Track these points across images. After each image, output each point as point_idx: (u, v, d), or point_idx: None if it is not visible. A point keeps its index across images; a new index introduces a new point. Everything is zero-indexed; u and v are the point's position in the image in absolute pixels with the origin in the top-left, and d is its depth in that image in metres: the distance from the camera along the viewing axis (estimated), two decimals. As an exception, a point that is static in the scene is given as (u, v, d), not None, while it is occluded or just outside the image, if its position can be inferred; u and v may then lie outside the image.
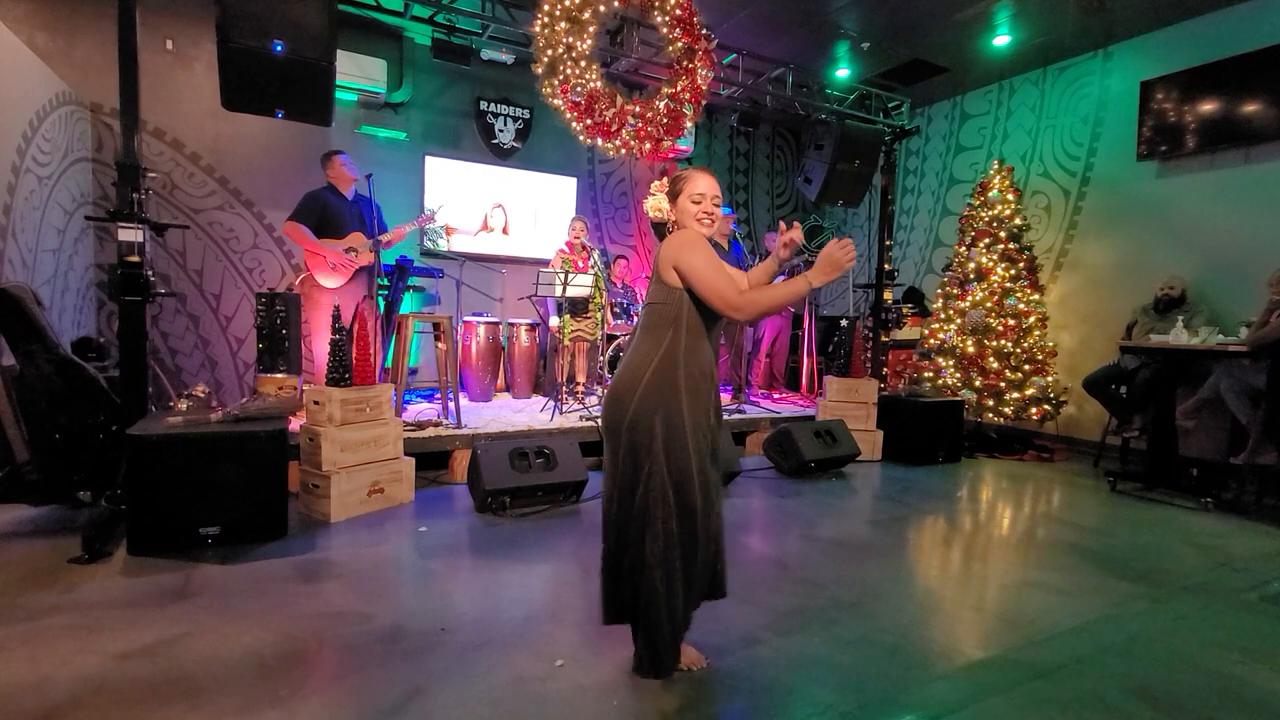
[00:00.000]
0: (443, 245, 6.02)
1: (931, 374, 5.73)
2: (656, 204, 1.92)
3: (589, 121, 4.34)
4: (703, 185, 1.89)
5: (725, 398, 5.72)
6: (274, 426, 2.98)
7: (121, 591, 2.38)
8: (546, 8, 4.06)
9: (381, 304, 4.49)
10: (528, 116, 6.46)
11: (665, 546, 1.77)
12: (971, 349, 5.43)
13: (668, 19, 4.48)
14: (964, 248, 5.74)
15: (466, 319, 5.35)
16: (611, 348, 5.71)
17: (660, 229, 1.96)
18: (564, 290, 4.68)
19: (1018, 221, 5.54)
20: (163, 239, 3.72)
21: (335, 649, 2.04)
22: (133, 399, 3.15)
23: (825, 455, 4.44)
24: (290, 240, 4.35)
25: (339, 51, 3.61)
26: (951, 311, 5.66)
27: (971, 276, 5.58)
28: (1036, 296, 5.46)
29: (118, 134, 3.26)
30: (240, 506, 2.85)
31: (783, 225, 2.09)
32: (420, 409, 4.88)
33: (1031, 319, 5.36)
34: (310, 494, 3.31)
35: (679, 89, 4.62)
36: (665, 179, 1.91)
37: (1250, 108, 4.64)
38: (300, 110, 3.65)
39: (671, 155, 6.92)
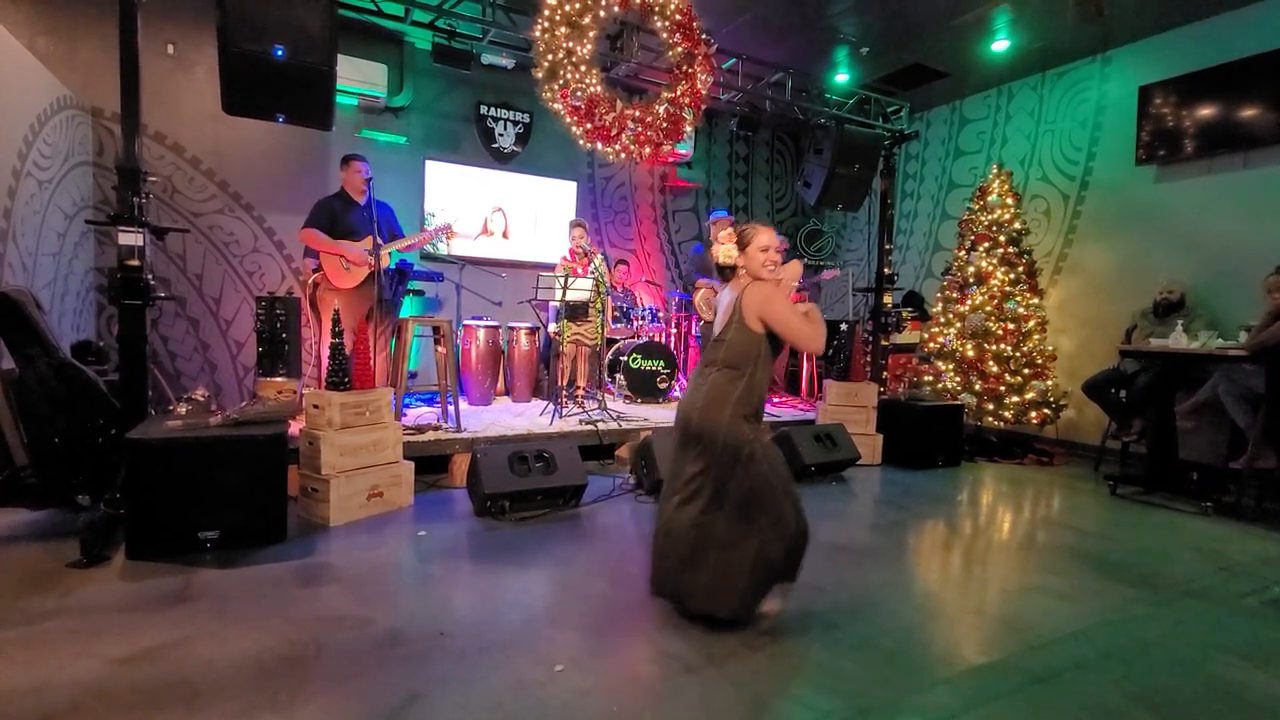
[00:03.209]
0: (443, 249, 6.01)
1: (931, 378, 5.73)
2: (728, 251, 2.28)
3: (589, 126, 4.35)
4: (766, 239, 2.30)
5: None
6: (273, 430, 2.98)
7: (120, 596, 2.38)
8: (547, 13, 4.07)
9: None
10: (528, 121, 6.48)
11: (779, 519, 2.26)
12: (971, 353, 5.43)
13: (668, 24, 4.50)
14: (963, 252, 5.74)
15: (466, 323, 5.35)
16: (612, 351, 5.72)
17: (724, 270, 2.35)
18: (564, 294, 4.68)
19: (1017, 225, 5.55)
20: (163, 243, 3.72)
21: (334, 653, 2.03)
22: (132, 403, 3.15)
23: (825, 459, 4.43)
24: (308, 245, 4.32)
25: (339, 56, 3.61)
26: (951, 315, 5.67)
27: (971, 280, 5.58)
28: (1036, 300, 5.47)
29: (118, 138, 3.27)
30: (239, 510, 2.84)
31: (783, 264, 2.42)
32: (420, 413, 4.88)
33: (1031, 323, 5.36)
34: (309, 498, 3.30)
35: (679, 93, 4.63)
36: (732, 229, 2.32)
37: (1248, 112, 4.65)
38: (301, 114, 3.66)
39: (671, 160, 6.95)
